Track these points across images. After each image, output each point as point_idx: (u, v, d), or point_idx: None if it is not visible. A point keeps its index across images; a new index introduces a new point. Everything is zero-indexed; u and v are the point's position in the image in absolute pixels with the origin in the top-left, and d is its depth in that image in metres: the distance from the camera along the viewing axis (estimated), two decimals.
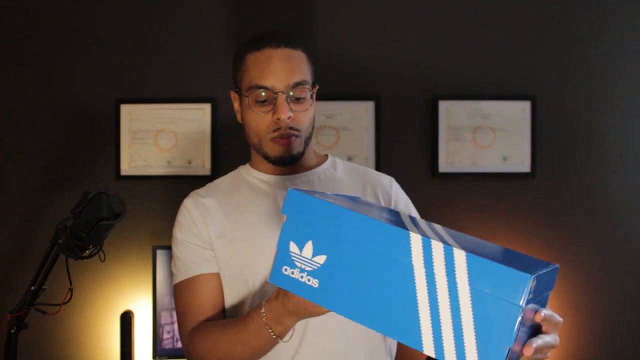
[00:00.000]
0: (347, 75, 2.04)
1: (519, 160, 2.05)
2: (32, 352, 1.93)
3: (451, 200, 2.05)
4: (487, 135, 2.05)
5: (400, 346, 1.21)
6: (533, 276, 0.62)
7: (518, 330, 0.64)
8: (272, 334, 0.92)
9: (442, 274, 0.65)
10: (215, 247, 1.11)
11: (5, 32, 2.04)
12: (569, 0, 2.07)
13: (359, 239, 0.69)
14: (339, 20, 2.06)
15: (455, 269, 0.64)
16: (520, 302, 0.62)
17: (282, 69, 1.08)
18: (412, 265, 0.66)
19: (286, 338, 0.94)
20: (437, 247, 0.65)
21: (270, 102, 1.09)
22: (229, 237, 1.11)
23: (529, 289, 0.62)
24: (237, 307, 1.11)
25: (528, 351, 0.69)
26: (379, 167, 2.02)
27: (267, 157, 1.14)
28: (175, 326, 1.86)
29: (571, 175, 2.06)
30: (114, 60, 2.04)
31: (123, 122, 2.03)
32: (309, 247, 0.73)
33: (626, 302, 2.05)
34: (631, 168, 2.06)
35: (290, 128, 1.09)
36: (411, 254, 0.66)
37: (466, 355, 0.64)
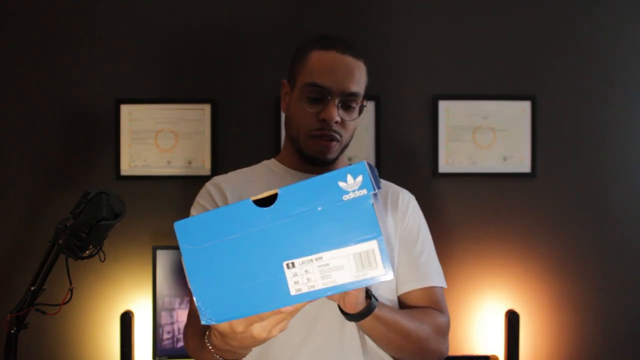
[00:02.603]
0: None
1: (519, 160, 2.05)
2: (32, 352, 1.94)
3: (451, 200, 2.05)
4: (487, 135, 2.05)
5: None
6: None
7: None
8: None
9: None
10: None
11: (5, 32, 2.05)
12: (569, 0, 2.07)
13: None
14: (339, 21, 2.06)
15: None
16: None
17: (343, 75, 1.09)
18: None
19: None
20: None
21: (322, 102, 1.10)
22: None
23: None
24: None
25: None
26: (378, 167, 2.02)
27: (301, 153, 1.14)
28: (175, 326, 1.86)
29: (571, 175, 2.06)
30: (114, 60, 2.05)
31: (123, 122, 2.03)
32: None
33: (626, 302, 2.05)
34: (631, 168, 2.07)
35: (334, 131, 1.10)
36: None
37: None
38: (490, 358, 1.92)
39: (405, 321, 1.01)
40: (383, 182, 1.26)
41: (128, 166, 2.03)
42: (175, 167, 2.03)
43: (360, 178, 0.60)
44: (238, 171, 1.23)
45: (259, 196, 0.64)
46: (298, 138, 1.14)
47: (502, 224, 2.05)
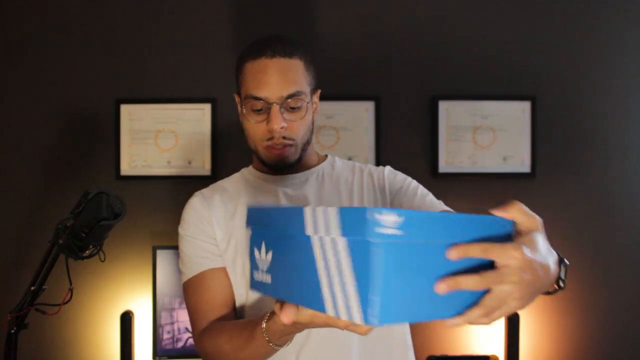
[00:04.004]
0: (347, 75, 2.04)
1: (519, 160, 2.05)
2: (32, 352, 1.94)
3: (451, 200, 2.03)
4: (487, 135, 2.05)
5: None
6: (376, 212, 0.58)
7: (397, 271, 0.61)
8: (276, 347, 0.91)
9: (325, 234, 0.67)
10: (220, 247, 1.12)
11: (5, 31, 2.05)
12: (568, 0, 2.07)
13: (281, 228, 0.76)
14: (340, 21, 2.06)
15: (331, 225, 0.65)
16: (371, 238, 0.59)
17: (276, 81, 1.08)
18: (307, 236, 0.70)
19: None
20: (320, 211, 0.68)
21: (265, 111, 1.10)
22: (234, 238, 1.12)
23: (373, 222, 0.59)
24: (241, 308, 1.12)
25: (437, 289, 0.63)
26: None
27: (263, 163, 1.16)
28: (175, 326, 1.86)
29: (571, 175, 2.06)
30: (114, 60, 2.05)
31: (123, 122, 2.03)
32: (263, 248, 0.80)
33: (626, 302, 2.05)
34: (631, 168, 2.07)
35: (284, 137, 1.10)
36: (304, 225, 0.71)
37: (351, 308, 0.63)
38: (490, 358, 1.92)
39: None
40: (357, 164, 1.27)
41: (128, 166, 2.03)
42: (175, 167, 2.03)
43: None
44: (219, 183, 1.24)
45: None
46: (255, 150, 1.16)
47: None
